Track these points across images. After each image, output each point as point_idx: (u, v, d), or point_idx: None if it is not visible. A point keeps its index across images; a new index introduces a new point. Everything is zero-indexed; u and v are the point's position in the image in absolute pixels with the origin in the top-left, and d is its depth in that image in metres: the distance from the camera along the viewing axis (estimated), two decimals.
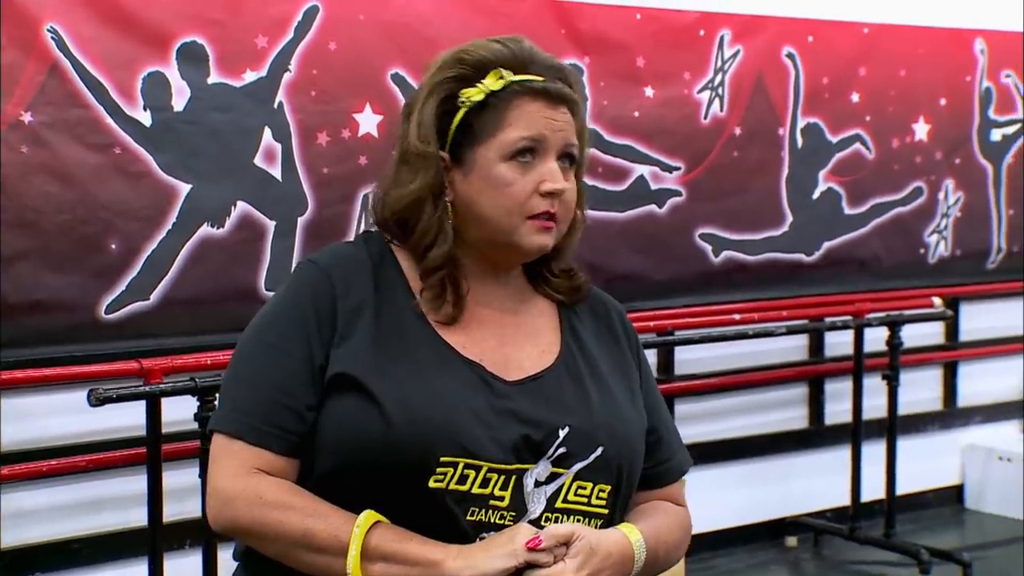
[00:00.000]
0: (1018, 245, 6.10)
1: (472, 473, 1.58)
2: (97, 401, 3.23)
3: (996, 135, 5.96)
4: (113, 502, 3.72)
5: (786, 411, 5.51)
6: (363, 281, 1.67)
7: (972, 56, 5.82)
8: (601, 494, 1.67)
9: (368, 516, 1.56)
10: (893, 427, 5.22)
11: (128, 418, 3.46)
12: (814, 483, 5.45)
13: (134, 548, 3.55)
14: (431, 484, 1.56)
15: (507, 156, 1.64)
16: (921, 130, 5.66)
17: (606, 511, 1.67)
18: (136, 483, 3.51)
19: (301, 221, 3.98)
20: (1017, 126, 6.05)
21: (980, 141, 5.90)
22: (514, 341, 1.72)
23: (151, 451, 3.32)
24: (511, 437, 1.61)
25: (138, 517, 3.40)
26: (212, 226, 3.88)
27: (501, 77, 1.65)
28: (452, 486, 1.57)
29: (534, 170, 1.64)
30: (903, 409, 5.28)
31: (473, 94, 1.64)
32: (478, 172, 1.65)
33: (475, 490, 1.59)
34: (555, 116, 1.66)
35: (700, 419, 5.15)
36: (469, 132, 1.66)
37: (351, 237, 3.22)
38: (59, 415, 3.66)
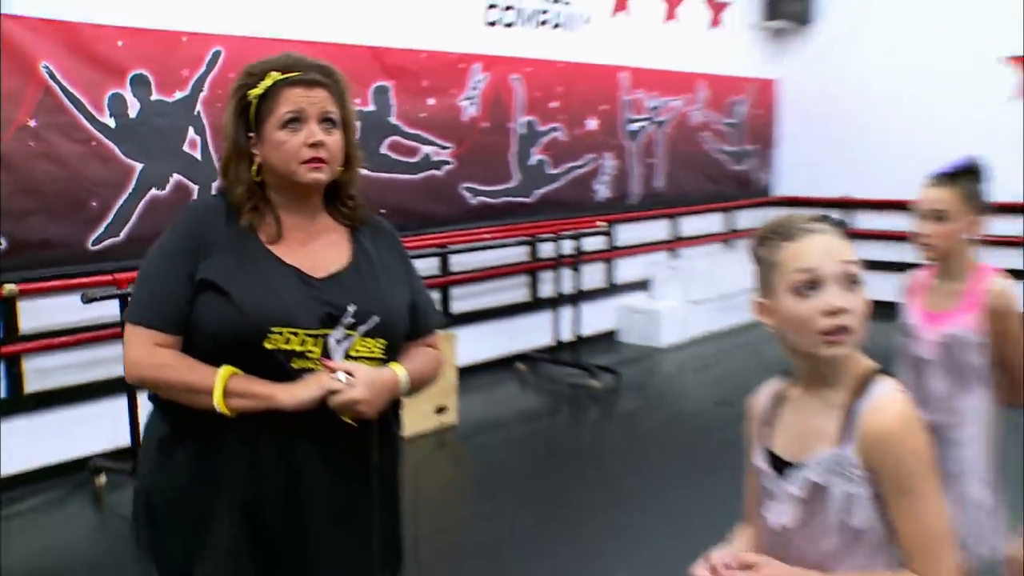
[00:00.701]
0: (645, 189, 6.36)
1: (294, 337, 1.52)
2: (87, 300, 3.29)
3: (633, 127, 6.23)
4: (102, 363, 3.71)
5: (516, 292, 5.62)
6: (219, 219, 1.58)
7: (619, 81, 6.07)
8: (379, 347, 1.60)
9: (226, 369, 1.50)
10: (578, 297, 5.45)
11: (108, 311, 3.48)
12: (533, 333, 5.62)
13: (118, 389, 3.56)
14: (267, 346, 1.50)
15: (281, 126, 1.55)
16: (592, 124, 5.87)
17: (383, 357, 1.61)
18: (115, 351, 3.52)
19: (214, 186, 3.59)
20: (645, 122, 6.29)
21: (624, 131, 6.15)
22: (320, 251, 1.62)
23: (124, 330, 3.14)
24: (319, 314, 1.54)
25: (118, 372, 3.20)
26: (158, 190, 3.85)
27: (270, 78, 1.56)
28: (281, 347, 1.51)
29: (301, 132, 1.55)
30: (584, 287, 5.56)
31: (255, 92, 1.56)
32: (268, 140, 1.56)
33: (296, 348, 1.52)
34: (312, 95, 1.56)
35: (466, 298, 5.30)
36: (261, 116, 1.56)
37: None
38: (65, 310, 3.63)
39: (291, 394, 1.48)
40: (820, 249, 1.23)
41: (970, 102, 6.17)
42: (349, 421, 1.51)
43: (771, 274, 1.26)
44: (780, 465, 1.30)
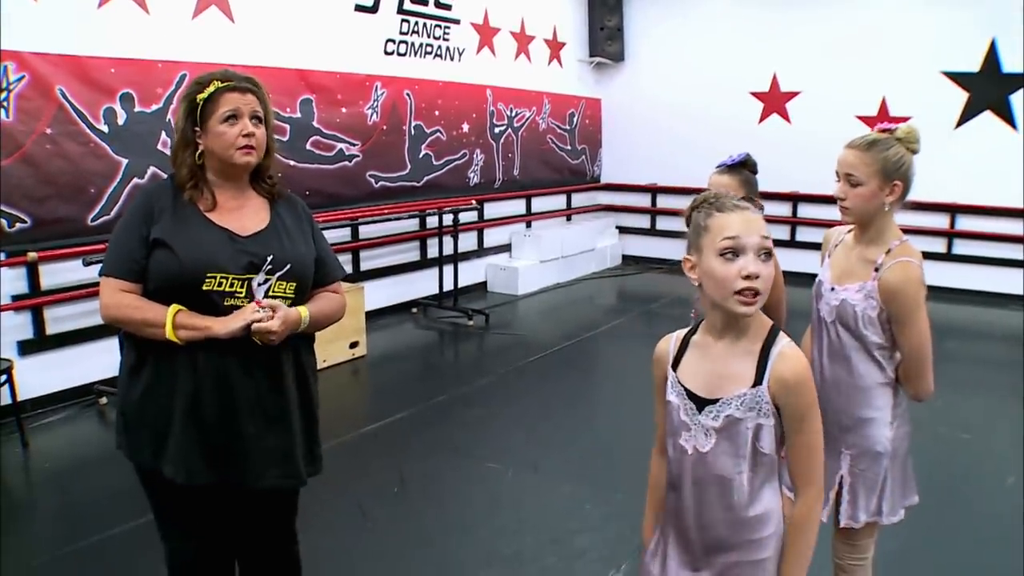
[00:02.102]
0: (506, 177, 6.69)
1: (225, 281, 1.52)
2: (87, 264, 3.48)
3: (496, 130, 6.57)
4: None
5: (410, 253, 5.87)
6: (167, 194, 1.58)
7: (486, 96, 6.41)
8: (290, 289, 1.59)
9: (174, 307, 1.51)
10: (456, 257, 5.57)
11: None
12: (423, 285, 5.89)
13: (113, 330, 2.99)
14: (204, 288, 1.51)
15: (221, 121, 1.55)
16: (465, 127, 6.21)
17: (293, 297, 1.60)
18: None
19: None
20: (505, 127, 6.61)
21: (490, 132, 6.50)
22: (246, 217, 1.62)
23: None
24: (243, 262, 1.55)
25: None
26: (139, 178, 4.02)
27: (213, 85, 1.57)
28: (215, 288, 1.52)
29: (237, 126, 1.56)
30: (460, 249, 5.93)
31: (202, 96, 1.56)
32: (210, 132, 1.56)
33: (227, 289, 1.52)
34: (244, 98, 1.57)
35: (372, 259, 5.53)
36: (205, 114, 1.57)
37: None
38: (73, 271, 3.82)
39: (224, 325, 1.50)
40: (745, 223, 1.21)
41: (733, 116, 7.10)
42: (258, 342, 1.53)
43: (701, 237, 1.23)
44: (698, 401, 1.27)
